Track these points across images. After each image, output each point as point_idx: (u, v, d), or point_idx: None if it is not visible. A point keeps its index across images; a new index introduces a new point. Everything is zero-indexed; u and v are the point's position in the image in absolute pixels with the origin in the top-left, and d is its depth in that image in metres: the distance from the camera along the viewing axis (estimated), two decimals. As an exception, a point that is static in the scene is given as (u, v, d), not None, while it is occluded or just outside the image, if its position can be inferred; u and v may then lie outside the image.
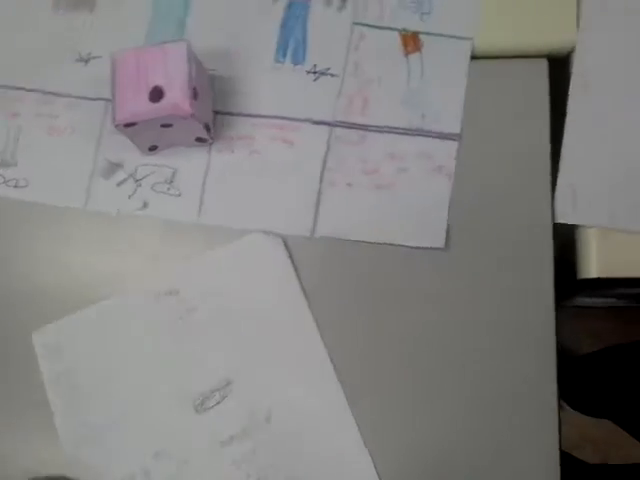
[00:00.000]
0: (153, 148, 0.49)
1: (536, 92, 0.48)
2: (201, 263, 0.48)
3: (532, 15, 0.49)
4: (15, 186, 0.51)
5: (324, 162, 0.49)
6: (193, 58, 0.46)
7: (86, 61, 0.52)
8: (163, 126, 0.46)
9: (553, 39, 0.48)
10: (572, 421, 0.92)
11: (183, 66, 0.45)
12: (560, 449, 0.44)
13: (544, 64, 0.48)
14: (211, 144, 0.50)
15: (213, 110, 0.50)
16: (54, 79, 0.52)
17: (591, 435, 0.96)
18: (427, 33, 0.49)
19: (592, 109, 0.47)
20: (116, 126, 0.45)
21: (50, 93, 0.52)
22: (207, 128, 0.48)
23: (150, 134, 0.47)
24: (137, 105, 0.45)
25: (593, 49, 0.48)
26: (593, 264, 0.45)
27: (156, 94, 0.45)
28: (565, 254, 0.47)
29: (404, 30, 0.49)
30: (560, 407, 0.45)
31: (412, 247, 0.47)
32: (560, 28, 0.48)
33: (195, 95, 0.45)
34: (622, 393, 0.69)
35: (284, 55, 0.50)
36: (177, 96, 0.44)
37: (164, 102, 0.45)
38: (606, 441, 0.97)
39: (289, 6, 0.51)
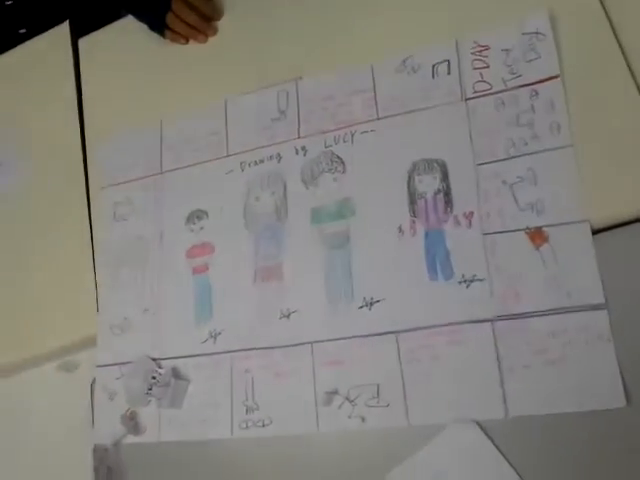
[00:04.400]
0: None
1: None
2: (414, 463, 0.59)
3: (632, 181, 0.57)
4: (263, 425, 0.66)
5: (497, 352, 0.58)
6: None
7: (287, 316, 0.68)
8: None
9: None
10: None
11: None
12: None
13: (660, 222, 0.56)
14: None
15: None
16: (268, 337, 0.68)
17: None
18: (548, 225, 0.59)
19: None
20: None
21: (267, 348, 0.68)
22: None
23: None
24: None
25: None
26: None
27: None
28: None
29: (527, 228, 0.60)
30: None
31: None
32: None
33: None
34: None
35: (435, 273, 0.63)
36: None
37: None
38: None
39: (426, 236, 0.64)
